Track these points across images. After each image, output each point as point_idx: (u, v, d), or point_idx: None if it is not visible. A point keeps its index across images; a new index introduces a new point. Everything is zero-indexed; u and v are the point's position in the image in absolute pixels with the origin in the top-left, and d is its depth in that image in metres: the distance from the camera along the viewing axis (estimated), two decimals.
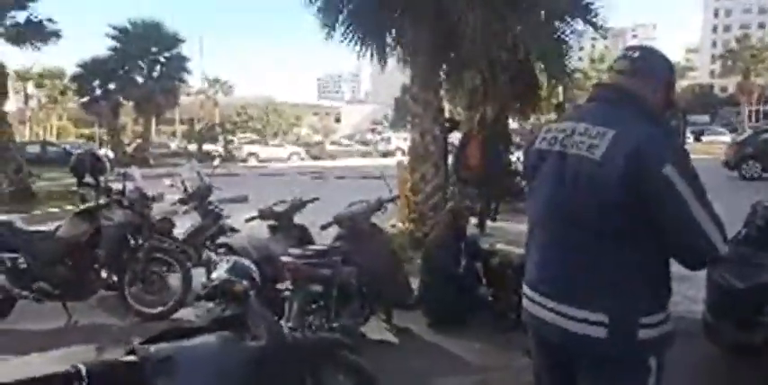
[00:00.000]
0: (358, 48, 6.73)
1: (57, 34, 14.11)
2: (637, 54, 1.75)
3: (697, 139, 34.04)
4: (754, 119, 47.60)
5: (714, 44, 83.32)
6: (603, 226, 1.63)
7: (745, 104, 49.29)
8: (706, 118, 49.88)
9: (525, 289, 1.84)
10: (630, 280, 1.65)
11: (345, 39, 6.73)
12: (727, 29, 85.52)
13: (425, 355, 3.85)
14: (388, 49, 6.84)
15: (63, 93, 39.54)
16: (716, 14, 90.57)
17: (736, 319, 3.23)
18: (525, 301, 1.84)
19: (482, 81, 7.64)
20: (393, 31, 6.72)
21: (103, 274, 4.85)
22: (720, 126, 44.66)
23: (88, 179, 5.04)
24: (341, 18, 6.69)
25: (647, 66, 1.74)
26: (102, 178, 5.02)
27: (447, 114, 8.61)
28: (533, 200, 1.83)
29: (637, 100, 1.72)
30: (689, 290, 4.62)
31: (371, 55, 6.73)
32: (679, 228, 1.60)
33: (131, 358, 1.86)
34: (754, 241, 3.52)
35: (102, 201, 4.84)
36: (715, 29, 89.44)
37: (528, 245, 1.87)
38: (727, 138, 28.89)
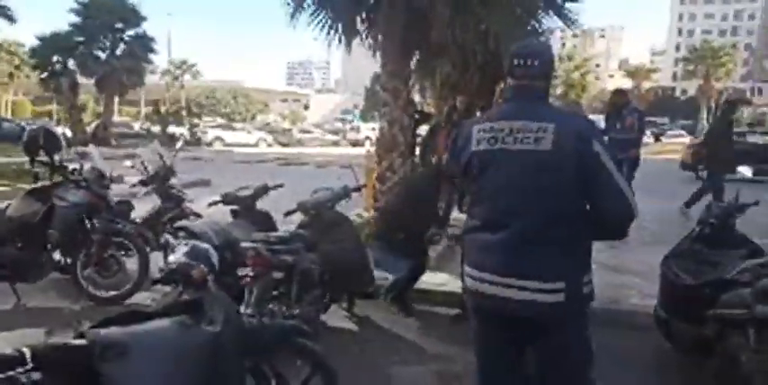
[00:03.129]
0: (325, 32, 6.55)
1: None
2: (537, 62, 2.04)
3: (657, 140, 35.05)
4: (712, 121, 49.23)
5: (678, 48, 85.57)
6: (558, 207, 1.94)
7: (704, 107, 50.97)
8: (666, 119, 51.34)
9: (476, 273, 2.03)
10: (576, 249, 1.99)
11: (312, 21, 6.53)
12: (690, 33, 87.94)
13: (386, 344, 3.86)
14: (357, 36, 6.70)
15: (18, 67, 37.90)
16: (680, 18, 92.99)
17: (687, 314, 3.32)
18: (477, 283, 2.03)
19: (452, 72, 7.62)
20: (363, 15, 6.57)
21: (56, 256, 4.69)
22: (680, 128, 46.10)
23: (42, 157, 4.84)
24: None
25: (548, 68, 2.08)
26: (56, 156, 4.83)
27: (418, 106, 8.59)
28: (487, 195, 2.04)
29: (545, 96, 2.09)
30: (642, 286, 4.76)
31: (339, 40, 6.55)
32: (607, 194, 1.93)
33: (80, 342, 1.79)
34: (708, 239, 3.63)
35: (56, 180, 4.66)
36: (680, 32, 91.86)
37: (474, 234, 2.07)
38: (686, 139, 29.85)
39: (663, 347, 3.68)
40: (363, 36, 6.75)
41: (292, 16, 6.52)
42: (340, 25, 6.49)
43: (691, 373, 3.42)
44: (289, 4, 6.52)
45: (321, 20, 6.52)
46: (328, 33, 6.52)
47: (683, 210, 8.02)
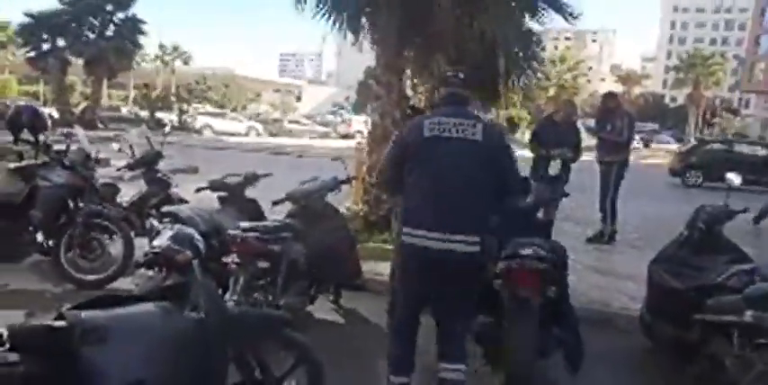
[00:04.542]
0: (331, 24, 6.49)
1: None
2: (463, 75, 2.89)
3: (646, 146, 35.45)
4: (699, 130, 49.77)
5: (669, 55, 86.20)
6: (481, 181, 2.68)
7: (692, 115, 51.41)
8: (655, 126, 51.81)
9: (416, 231, 2.65)
10: (487, 212, 2.75)
11: (318, 14, 6.47)
12: (682, 41, 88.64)
13: (371, 336, 3.81)
14: (361, 28, 6.63)
15: (4, 46, 37.13)
16: (672, 26, 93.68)
17: (672, 318, 3.33)
18: (416, 240, 2.65)
19: (447, 68, 7.58)
20: (366, 9, 6.51)
21: (38, 238, 4.59)
22: (668, 135, 46.54)
23: (26, 136, 4.74)
24: None
25: (469, 81, 2.92)
26: (41, 136, 4.73)
27: (411, 102, 8.54)
28: (431, 168, 2.69)
29: (469, 102, 2.95)
30: (629, 289, 4.78)
31: (344, 32, 6.50)
32: (512, 176, 2.79)
33: (59, 323, 1.73)
34: (695, 244, 3.64)
35: (40, 160, 4.56)
36: (671, 40, 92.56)
37: (418, 201, 2.69)
38: (674, 146, 30.21)
39: (647, 350, 3.70)
40: (363, 28, 6.69)
41: (298, 3, 6.44)
42: (345, 18, 6.42)
43: (674, 376, 3.44)
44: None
45: (326, 12, 6.46)
46: (341, 27, 6.47)
47: (757, 229, 7.51)
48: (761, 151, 16.82)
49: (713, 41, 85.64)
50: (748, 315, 2.65)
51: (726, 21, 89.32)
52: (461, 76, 2.86)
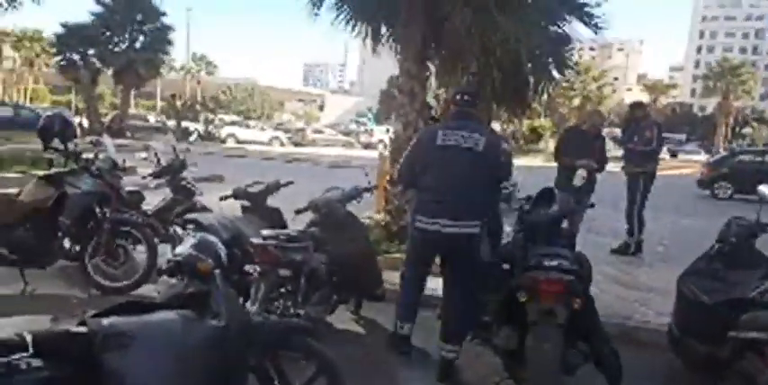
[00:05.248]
0: (345, 33, 6.50)
1: None
2: (472, 98, 3.59)
3: (673, 156, 34.86)
4: (729, 140, 48.69)
5: (697, 64, 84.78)
6: (481, 181, 3.42)
7: (721, 125, 50.36)
8: (683, 136, 50.88)
9: (425, 218, 3.38)
10: (486, 205, 3.54)
11: (336, 20, 6.47)
12: (710, 50, 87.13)
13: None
14: (380, 36, 6.63)
15: (39, 55, 38.31)
16: (701, 35, 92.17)
17: (702, 334, 3.23)
18: (425, 225, 3.38)
19: (472, 78, 7.53)
20: (384, 16, 6.50)
21: (65, 243, 4.67)
22: (696, 146, 45.62)
23: (56, 144, 4.85)
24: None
25: (477, 101, 3.65)
26: (70, 144, 4.83)
27: (434, 111, 8.52)
28: (441, 170, 3.41)
29: (477, 119, 3.68)
30: (657, 303, 4.65)
31: (364, 40, 6.51)
32: (502, 172, 3.56)
33: (81, 330, 1.75)
34: (727, 258, 3.53)
35: (69, 168, 4.65)
36: (699, 49, 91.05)
37: (429, 196, 3.41)
38: (702, 157, 29.61)
39: (673, 365, 3.59)
40: (384, 36, 6.70)
41: (314, 7, 6.44)
42: (362, 26, 6.43)
43: None
44: (314, 4, 6.45)
45: (345, 19, 6.47)
46: (359, 33, 6.46)
47: None
48: None
49: (743, 50, 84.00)
50: None
51: (756, 30, 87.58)
52: (468, 98, 3.56)
